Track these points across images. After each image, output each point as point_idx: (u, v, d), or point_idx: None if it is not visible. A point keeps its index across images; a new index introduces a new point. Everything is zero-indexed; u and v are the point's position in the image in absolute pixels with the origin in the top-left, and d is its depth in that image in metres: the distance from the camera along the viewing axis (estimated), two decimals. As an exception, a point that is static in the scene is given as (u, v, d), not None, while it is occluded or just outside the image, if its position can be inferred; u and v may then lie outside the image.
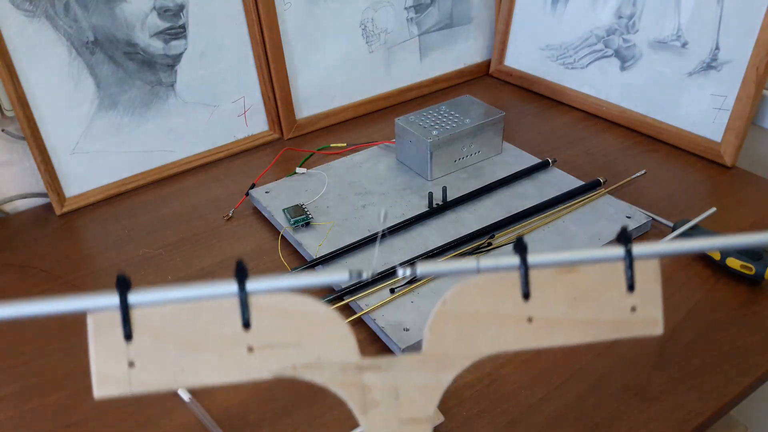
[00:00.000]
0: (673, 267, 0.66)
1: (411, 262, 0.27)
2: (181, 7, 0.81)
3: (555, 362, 0.56)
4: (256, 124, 0.93)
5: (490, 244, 0.67)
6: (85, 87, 0.78)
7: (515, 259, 0.29)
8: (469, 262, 0.29)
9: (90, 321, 0.26)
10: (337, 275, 0.28)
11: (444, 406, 0.53)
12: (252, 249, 0.72)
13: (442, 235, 0.69)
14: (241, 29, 0.87)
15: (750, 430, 0.86)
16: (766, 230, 0.66)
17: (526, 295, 0.29)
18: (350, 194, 0.77)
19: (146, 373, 0.27)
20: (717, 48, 0.81)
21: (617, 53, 0.93)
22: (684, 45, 0.85)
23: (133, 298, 0.27)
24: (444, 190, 0.73)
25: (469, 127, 0.79)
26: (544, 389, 0.54)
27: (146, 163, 0.85)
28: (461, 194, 0.74)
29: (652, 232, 0.71)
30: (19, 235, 0.77)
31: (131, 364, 0.27)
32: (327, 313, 0.28)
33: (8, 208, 0.82)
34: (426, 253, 0.66)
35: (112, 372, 0.27)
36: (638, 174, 0.79)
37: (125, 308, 0.27)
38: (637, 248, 0.29)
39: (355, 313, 0.61)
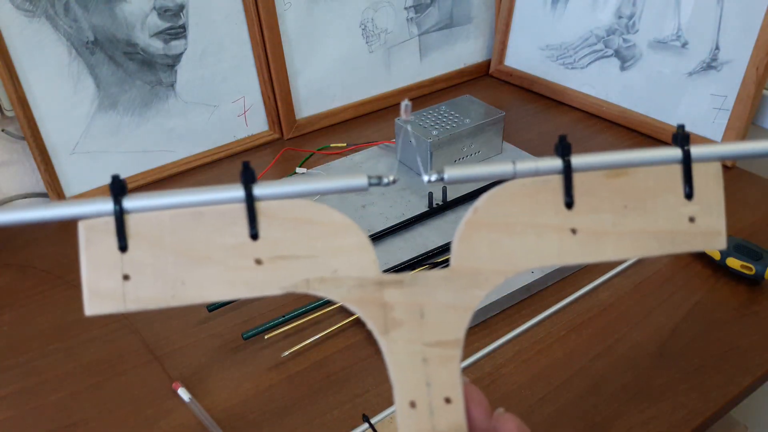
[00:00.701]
0: (673, 267, 0.66)
1: (438, 170, 0.26)
2: (181, 7, 0.81)
3: (555, 362, 0.56)
4: (256, 124, 0.93)
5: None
6: (85, 87, 0.78)
7: (557, 162, 0.25)
8: (505, 165, 0.25)
9: (81, 229, 0.24)
10: (355, 180, 0.25)
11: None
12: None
13: (442, 235, 0.69)
14: (241, 29, 0.87)
15: (750, 430, 0.86)
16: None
17: (570, 204, 0.25)
18: (350, 194, 0.77)
19: (142, 287, 0.24)
20: (717, 48, 0.81)
21: (617, 53, 0.93)
22: (684, 45, 0.85)
23: (129, 203, 0.24)
24: (444, 190, 0.73)
25: (469, 127, 0.79)
26: (544, 389, 0.54)
27: (146, 163, 0.85)
28: (461, 194, 0.74)
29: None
30: (19, 235, 0.77)
31: (126, 278, 0.24)
32: (344, 222, 0.25)
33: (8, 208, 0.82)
34: (426, 253, 0.66)
35: (106, 286, 0.24)
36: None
37: (120, 215, 0.24)
38: (697, 149, 0.26)
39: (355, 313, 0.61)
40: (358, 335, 0.60)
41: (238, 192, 0.24)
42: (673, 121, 0.87)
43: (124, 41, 0.79)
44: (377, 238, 0.69)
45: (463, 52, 1.09)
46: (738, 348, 0.57)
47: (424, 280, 0.26)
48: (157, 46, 0.81)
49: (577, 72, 0.98)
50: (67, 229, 0.78)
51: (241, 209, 0.25)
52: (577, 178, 0.26)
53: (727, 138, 0.81)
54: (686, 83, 0.85)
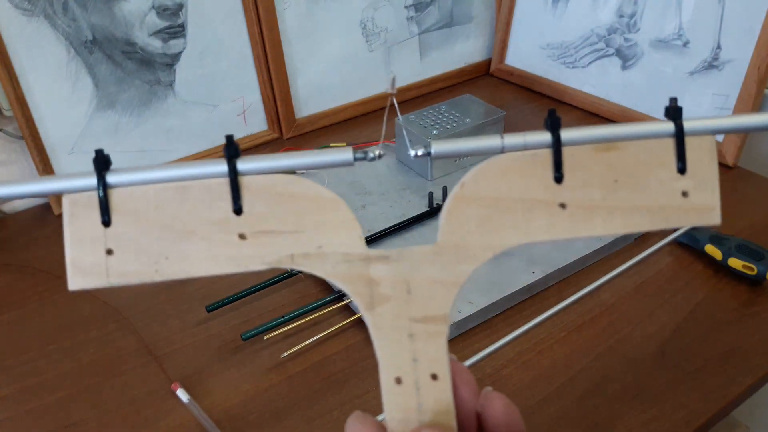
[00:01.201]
0: (674, 267, 0.66)
1: (425, 144, 0.25)
2: (180, 6, 0.81)
3: (555, 363, 0.56)
4: (255, 123, 0.93)
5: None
6: (84, 86, 0.78)
7: (546, 136, 0.25)
8: (493, 139, 0.25)
9: (65, 203, 0.24)
10: (340, 155, 0.25)
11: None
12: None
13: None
14: (240, 28, 0.87)
15: (752, 430, 0.86)
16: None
17: (559, 178, 0.25)
18: (350, 194, 0.77)
19: (126, 261, 0.24)
20: (718, 47, 0.81)
21: (618, 52, 0.92)
22: (685, 44, 0.84)
23: (112, 178, 0.24)
24: (444, 190, 0.73)
25: (469, 126, 0.78)
26: (544, 390, 0.54)
27: (144, 162, 0.85)
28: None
29: (654, 231, 0.71)
30: (18, 236, 0.77)
31: (109, 252, 0.24)
32: (330, 197, 0.25)
33: (7, 208, 0.82)
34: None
35: (89, 261, 0.24)
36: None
37: (103, 189, 0.24)
38: (690, 123, 0.25)
39: (355, 313, 0.61)
40: (358, 336, 0.59)
41: (222, 166, 0.24)
42: (674, 121, 0.87)
43: (122, 40, 0.79)
44: (377, 238, 0.68)
45: (464, 51, 1.09)
46: (739, 348, 0.56)
47: (411, 255, 0.25)
48: (155, 45, 0.81)
49: (578, 71, 0.98)
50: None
51: (225, 184, 0.24)
52: (567, 152, 0.25)
53: (728, 139, 0.81)
54: (688, 82, 0.85)
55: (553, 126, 0.25)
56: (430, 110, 0.82)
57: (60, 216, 0.80)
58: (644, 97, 0.90)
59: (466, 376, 0.25)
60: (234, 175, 0.24)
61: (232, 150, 0.24)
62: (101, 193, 0.24)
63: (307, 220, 0.25)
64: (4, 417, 0.54)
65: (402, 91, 1.04)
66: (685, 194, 0.25)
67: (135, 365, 0.58)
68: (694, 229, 0.67)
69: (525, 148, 0.25)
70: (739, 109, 0.79)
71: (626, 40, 0.91)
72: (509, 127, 0.88)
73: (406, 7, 0.99)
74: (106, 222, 0.24)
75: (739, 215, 0.73)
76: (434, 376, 0.25)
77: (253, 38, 0.87)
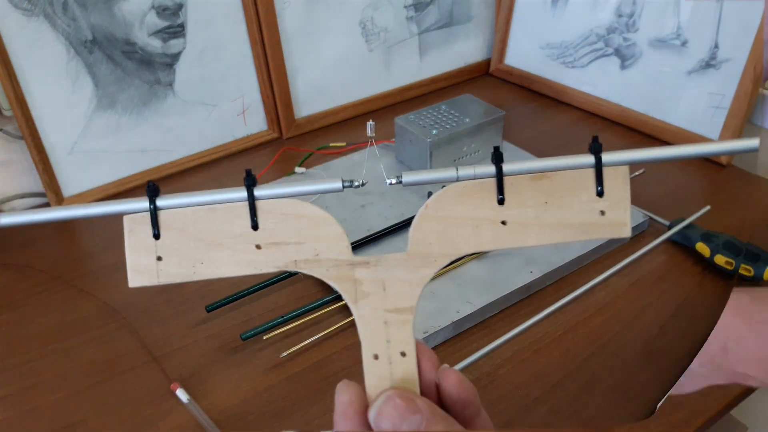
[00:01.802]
0: (667, 265, 0.66)
1: (398, 175, 0.33)
2: (180, 6, 0.81)
3: (551, 361, 0.56)
4: (255, 123, 0.93)
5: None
6: (84, 86, 0.78)
7: (491, 168, 0.32)
8: (449, 171, 0.32)
9: (126, 222, 0.31)
10: (330, 183, 0.32)
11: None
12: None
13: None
14: (239, 28, 0.87)
15: (750, 430, 0.86)
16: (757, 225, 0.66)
17: (501, 201, 0.32)
18: (350, 194, 0.77)
19: (171, 265, 0.32)
20: (716, 46, 0.81)
21: (617, 52, 0.92)
22: (684, 43, 0.85)
23: (160, 202, 0.31)
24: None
25: (469, 126, 0.79)
26: (540, 389, 0.54)
27: (144, 162, 0.85)
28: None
29: (648, 230, 0.71)
30: (17, 235, 0.77)
31: (159, 259, 0.32)
32: (324, 216, 0.32)
33: (6, 208, 0.82)
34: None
35: (143, 265, 0.31)
36: (637, 173, 0.79)
37: (154, 211, 0.31)
38: (607, 156, 0.31)
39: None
40: (357, 335, 0.59)
41: (242, 193, 0.32)
42: (673, 120, 0.87)
43: (122, 40, 0.79)
44: (377, 238, 0.69)
45: (463, 50, 1.09)
46: (736, 348, 0.57)
47: (386, 261, 0.32)
48: (155, 45, 0.81)
49: (577, 71, 0.98)
50: (66, 229, 0.78)
51: (244, 206, 0.32)
52: (507, 181, 0.32)
53: (723, 137, 0.81)
54: (685, 82, 0.85)
55: (498, 160, 0.32)
56: (430, 110, 0.82)
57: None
58: (643, 97, 0.90)
59: (428, 353, 0.32)
60: (252, 200, 0.32)
61: (251, 180, 0.32)
62: (153, 214, 0.31)
63: (306, 234, 0.32)
64: (3, 417, 0.54)
65: (402, 90, 1.04)
66: (602, 213, 0.32)
67: (134, 365, 0.58)
68: (687, 227, 0.67)
69: (475, 177, 0.32)
70: (734, 108, 0.80)
71: (625, 39, 0.91)
72: (509, 127, 0.89)
73: (405, 6, 0.99)
74: (156, 235, 0.31)
75: (731, 213, 0.73)
76: (403, 354, 0.32)
77: (253, 38, 0.87)
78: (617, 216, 0.32)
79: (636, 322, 0.60)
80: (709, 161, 0.83)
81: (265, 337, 0.59)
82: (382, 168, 0.80)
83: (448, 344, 0.58)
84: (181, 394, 0.54)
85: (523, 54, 1.06)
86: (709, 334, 0.55)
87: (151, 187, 0.32)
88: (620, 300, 0.62)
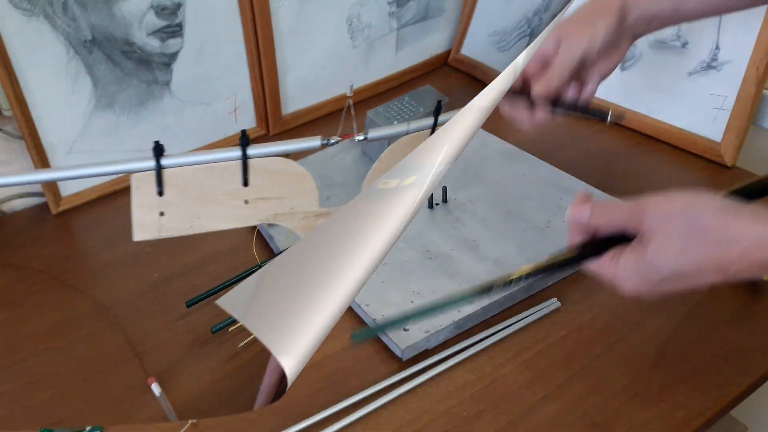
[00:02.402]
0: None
1: (365, 132, 0.45)
2: (179, 6, 0.81)
3: (555, 362, 0.56)
4: (246, 121, 0.94)
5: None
6: (83, 86, 0.78)
7: (429, 121, 0.42)
8: (401, 126, 0.41)
9: (133, 180, 0.34)
10: (310, 142, 0.37)
11: (443, 406, 0.52)
12: (231, 246, 0.72)
13: (443, 235, 0.69)
14: (236, 27, 0.87)
15: (751, 430, 0.86)
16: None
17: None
18: (321, 187, 0.77)
19: (172, 220, 0.34)
20: (717, 48, 0.81)
21: (617, 53, 0.92)
22: (684, 45, 0.85)
23: (165, 161, 0.34)
24: (444, 190, 0.73)
25: (422, 115, 0.81)
26: (543, 389, 0.54)
27: (144, 162, 0.85)
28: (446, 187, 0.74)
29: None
30: (16, 235, 0.77)
31: (161, 214, 0.34)
32: (302, 172, 0.36)
33: (5, 207, 0.82)
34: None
35: (147, 220, 0.34)
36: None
37: (159, 169, 0.34)
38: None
39: (354, 313, 0.61)
40: (357, 335, 0.59)
41: (237, 152, 0.35)
42: (674, 122, 0.87)
43: (122, 40, 0.79)
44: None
45: (431, 43, 1.11)
46: (738, 348, 0.56)
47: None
48: (154, 44, 0.81)
49: (507, 54, 0.99)
50: (64, 229, 0.78)
51: (239, 165, 0.35)
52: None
53: (727, 139, 0.81)
54: (686, 83, 0.85)
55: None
56: (396, 102, 0.84)
57: (57, 215, 0.80)
58: (643, 98, 0.90)
59: None
60: (245, 158, 0.35)
61: (245, 140, 0.35)
62: (158, 173, 0.34)
63: (287, 189, 0.36)
64: (-1, 416, 0.54)
65: (377, 84, 1.05)
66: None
67: (119, 362, 0.60)
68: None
69: (407, 132, 0.41)
70: (737, 110, 0.79)
71: (625, 40, 0.91)
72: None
73: (389, 2, 1.00)
74: (161, 192, 0.34)
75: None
76: None
77: (248, 37, 0.88)
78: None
79: (646, 324, 0.59)
80: (713, 162, 0.82)
81: (230, 329, 0.61)
82: (350, 160, 0.83)
83: (449, 343, 0.58)
84: (155, 388, 0.55)
85: (477, 43, 1.08)
86: (731, 340, 0.56)
87: (158, 147, 0.34)
88: (626, 301, 0.62)
